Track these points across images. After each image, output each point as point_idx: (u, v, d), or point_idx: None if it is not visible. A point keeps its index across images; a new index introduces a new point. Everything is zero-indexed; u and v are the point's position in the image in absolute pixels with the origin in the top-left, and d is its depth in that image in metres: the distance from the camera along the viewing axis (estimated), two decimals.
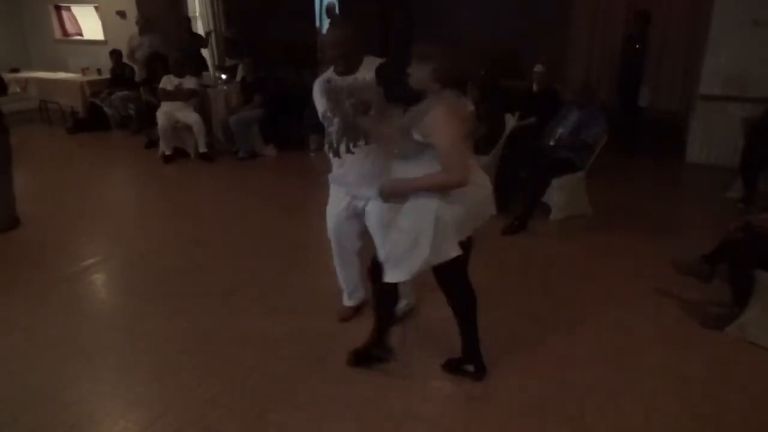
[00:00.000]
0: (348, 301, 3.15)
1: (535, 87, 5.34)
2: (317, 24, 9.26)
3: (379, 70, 2.47)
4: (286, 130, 7.06)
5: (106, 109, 7.89)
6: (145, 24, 7.68)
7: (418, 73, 2.15)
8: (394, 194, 2.24)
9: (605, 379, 2.59)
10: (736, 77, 5.70)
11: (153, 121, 6.64)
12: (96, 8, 8.87)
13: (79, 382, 2.62)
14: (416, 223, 2.17)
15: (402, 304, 3.01)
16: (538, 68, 5.28)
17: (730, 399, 2.46)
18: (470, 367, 2.58)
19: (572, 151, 4.49)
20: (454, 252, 2.18)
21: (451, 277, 2.41)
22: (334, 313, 3.14)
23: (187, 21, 8.25)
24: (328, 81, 2.59)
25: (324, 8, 9.02)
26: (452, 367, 2.62)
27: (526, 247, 4.09)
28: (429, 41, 2.17)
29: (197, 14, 9.02)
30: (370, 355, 2.67)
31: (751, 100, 5.51)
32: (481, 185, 2.28)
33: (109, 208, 5.29)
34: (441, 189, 2.14)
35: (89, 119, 8.01)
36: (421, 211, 2.16)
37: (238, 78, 7.19)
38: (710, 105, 5.94)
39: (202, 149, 6.53)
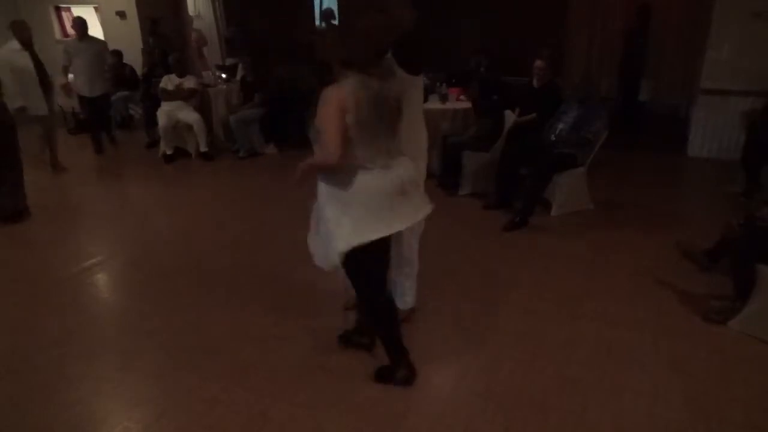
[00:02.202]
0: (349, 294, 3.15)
1: (535, 82, 5.32)
2: (317, 24, 9.23)
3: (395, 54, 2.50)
4: (286, 129, 7.07)
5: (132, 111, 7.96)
6: (153, 26, 7.71)
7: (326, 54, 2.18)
8: (302, 178, 2.25)
9: (607, 374, 2.58)
10: (738, 70, 5.68)
11: (154, 121, 6.66)
12: (96, 9, 8.87)
13: (81, 382, 2.63)
14: (329, 212, 2.24)
15: (406, 306, 3.00)
16: (539, 63, 5.26)
17: (732, 393, 2.45)
18: (401, 373, 2.51)
19: (573, 147, 4.48)
20: (356, 240, 2.17)
21: (358, 275, 2.38)
22: (335, 311, 3.15)
23: (151, 23, 8.00)
24: None
25: (322, 12, 8.99)
26: (383, 377, 2.56)
27: (527, 242, 4.08)
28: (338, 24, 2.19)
29: (199, 13, 9.01)
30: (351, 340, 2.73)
31: (753, 93, 5.49)
32: (383, 191, 2.21)
33: (111, 208, 5.30)
34: (322, 170, 2.22)
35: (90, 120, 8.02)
36: (331, 202, 2.24)
37: (238, 77, 7.19)
38: (711, 98, 5.92)
39: (203, 149, 6.54)
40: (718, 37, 5.77)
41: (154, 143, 7.06)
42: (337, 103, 2.09)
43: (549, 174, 4.41)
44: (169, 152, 6.53)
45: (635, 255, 3.79)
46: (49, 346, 2.93)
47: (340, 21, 2.26)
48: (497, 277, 3.52)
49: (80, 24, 6.69)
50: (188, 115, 6.45)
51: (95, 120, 7.08)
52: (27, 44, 5.62)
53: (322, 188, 2.28)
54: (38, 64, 5.71)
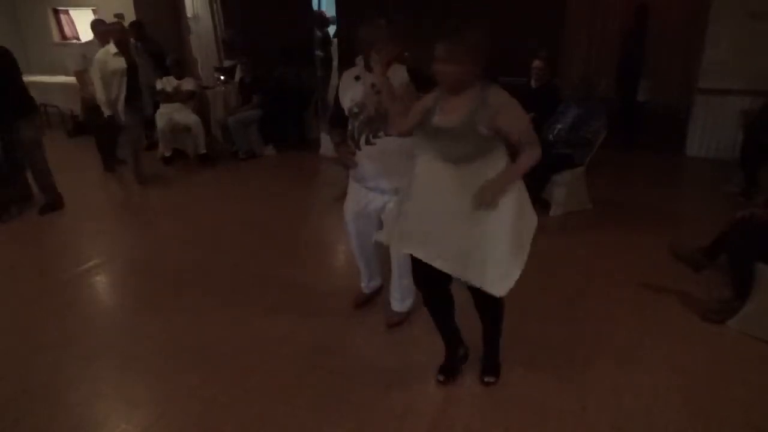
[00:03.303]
0: (365, 288, 3.23)
1: (533, 83, 5.33)
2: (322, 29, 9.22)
3: (413, 74, 2.53)
4: (285, 130, 7.08)
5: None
6: (138, 30, 7.25)
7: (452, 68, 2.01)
8: (496, 197, 2.06)
9: (606, 374, 2.59)
10: (736, 70, 5.69)
11: (153, 124, 6.66)
12: (94, 11, 8.87)
13: (80, 384, 2.62)
14: (507, 223, 2.09)
15: (407, 304, 3.02)
16: (537, 63, 5.27)
17: (731, 393, 2.45)
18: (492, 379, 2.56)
19: (571, 147, 4.49)
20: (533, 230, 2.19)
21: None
22: (335, 312, 3.15)
23: (137, 26, 7.38)
24: (357, 77, 2.66)
25: (313, 15, 8.97)
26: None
27: None
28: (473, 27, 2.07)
29: (198, 15, 9.00)
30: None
31: (751, 92, 5.50)
32: None
33: (110, 210, 5.29)
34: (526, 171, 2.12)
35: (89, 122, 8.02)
36: (506, 209, 2.09)
37: (236, 79, 7.19)
38: (709, 98, 5.94)
39: (202, 150, 6.53)
40: (716, 36, 5.78)
41: (152, 145, 7.05)
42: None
43: (547, 174, 4.41)
44: (167, 154, 6.52)
45: (634, 255, 3.79)
46: (48, 347, 2.92)
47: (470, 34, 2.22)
48: None
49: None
50: (187, 117, 6.44)
51: (110, 134, 6.14)
52: (122, 48, 5.33)
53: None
54: (132, 70, 5.40)
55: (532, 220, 2.23)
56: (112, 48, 5.30)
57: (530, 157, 2.09)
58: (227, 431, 2.30)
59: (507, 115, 2.05)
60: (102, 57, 5.29)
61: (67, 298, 3.49)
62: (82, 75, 6.07)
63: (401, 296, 2.99)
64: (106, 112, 5.40)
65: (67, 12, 9.34)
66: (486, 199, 2.05)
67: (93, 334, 3.09)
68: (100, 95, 5.36)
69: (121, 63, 5.29)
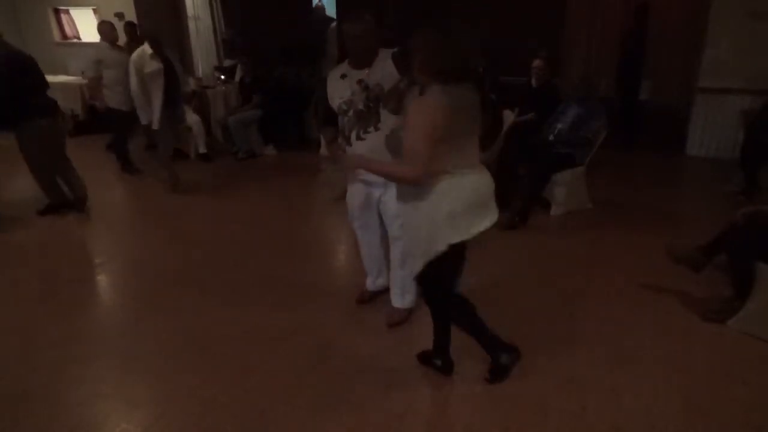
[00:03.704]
0: (370, 285, 3.23)
1: (534, 82, 5.33)
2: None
3: (397, 58, 2.55)
4: (285, 130, 7.08)
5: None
6: (130, 29, 7.06)
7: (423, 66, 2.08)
8: (354, 166, 2.35)
9: (606, 374, 2.59)
10: (736, 69, 5.69)
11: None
12: (94, 11, 8.87)
13: (80, 384, 2.62)
14: (419, 217, 2.17)
15: (408, 300, 3.02)
16: (537, 63, 5.27)
17: (731, 393, 2.45)
18: (438, 362, 2.60)
19: (571, 147, 4.49)
20: (442, 246, 2.14)
21: (442, 275, 2.31)
22: (334, 311, 3.15)
23: (129, 27, 7.21)
24: (344, 75, 2.67)
25: (312, 13, 8.98)
26: (424, 358, 2.66)
27: (526, 242, 4.08)
28: (419, 32, 2.08)
29: (198, 15, 9.00)
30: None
31: (751, 92, 5.50)
32: (476, 189, 2.20)
33: (110, 210, 5.29)
34: (396, 180, 2.19)
35: (89, 122, 8.02)
36: (421, 207, 2.15)
37: (237, 78, 7.20)
38: (710, 98, 5.94)
39: (202, 150, 6.54)
40: (716, 36, 5.78)
41: (152, 145, 7.04)
42: (431, 116, 2.00)
43: (548, 174, 4.41)
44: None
45: (634, 254, 3.79)
46: (48, 347, 2.93)
47: (432, 34, 2.22)
48: (496, 277, 3.52)
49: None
50: (187, 116, 6.44)
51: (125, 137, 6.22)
52: (158, 49, 5.05)
53: (391, 199, 2.30)
54: (170, 73, 5.13)
55: (437, 240, 2.16)
56: (147, 49, 5.02)
57: (400, 168, 2.08)
58: (227, 431, 2.30)
59: (406, 122, 2.06)
60: (138, 59, 5.00)
61: (67, 298, 3.49)
62: (97, 81, 5.86)
63: (401, 290, 2.97)
64: (143, 119, 5.12)
65: (67, 11, 9.33)
66: (347, 161, 2.40)
67: (93, 334, 3.09)
68: (137, 99, 5.08)
69: (158, 65, 5.03)
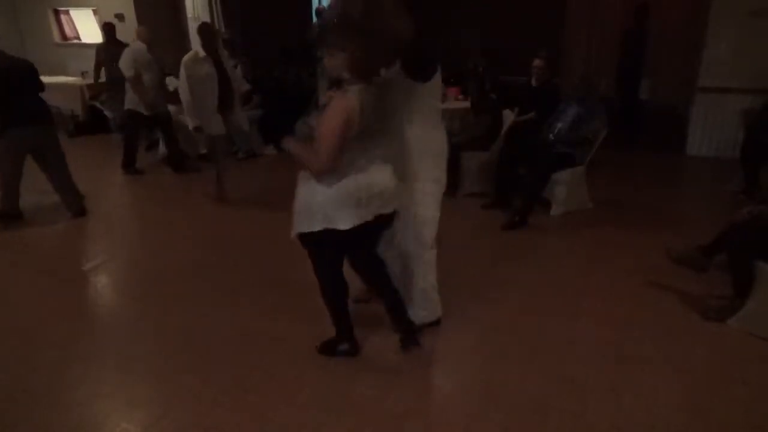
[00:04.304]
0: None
1: (534, 82, 5.33)
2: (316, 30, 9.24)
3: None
4: (285, 130, 7.06)
5: (106, 112, 7.90)
6: (109, 32, 7.14)
7: (335, 61, 2.17)
8: (287, 148, 2.51)
9: (606, 374, 2.58)
10: (736, 69, 5.69)
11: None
12: (94, 11, 8.88)
13: (80, 384, 2.62)
14: (301, 193, 2.51)
15: (423, 315, 2.92)
16: (537, 63, 5.27)
17: (732, 392, 2.45)
18: (344, 347, 2.69)
19: (571, 146, 4.49)
20: (307, 229, 2.43)
21: (319, 255, 2.60)
22: None
23: (107, 29, 7.25)
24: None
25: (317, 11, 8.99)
26: (327, 349, 2.73)
27: (526, 242, 4.08)
28: (349, 29, 2.10)
29: (198, 15, 9.01)
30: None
31: (751, 91, 5.50)
32: (351, 193, 2.32)
33: (110, 210, 5.29)
34: (305, 166, 2.37)
35: (89, 122, 8.04)
36: (306, 186, 2.47)
37: None
38: (710, 97, 5.93)
39: (202, 150, 6.53)
40: (716, 36, 5.78)
41: (152, 145, 7.05)
42: (346, 115, 2.11)
43: (548, 173, 4.41)
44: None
45: (634, 254, 3.79)
46: (48, 347, 2.93)
47: (353, 34, 2.21)
48: (496, 277, 3.52)
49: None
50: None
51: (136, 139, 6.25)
52: (211, 51, 4.84)
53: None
54: (223, 75, 4.94)
55: (304, 222, 2.53)
56: (200, 51, 4.84)
57: (308, 157, 2.30)
58: (227, 431, 2.30)
59: (323, 114, 2.20)
60: (189, 62, 4.78)
61: (67, 298, 3.49)
62: (138, 80, 5.82)
63: (413, 304, 2.83)
64: (193, 123, 4.91)
65: (67, 12, 9.34)
66: (285, 143, 2.53)
67: (93, 334, 3.09)
68: (186, 104, 4.86)
69: (210, 68, 4.84)
